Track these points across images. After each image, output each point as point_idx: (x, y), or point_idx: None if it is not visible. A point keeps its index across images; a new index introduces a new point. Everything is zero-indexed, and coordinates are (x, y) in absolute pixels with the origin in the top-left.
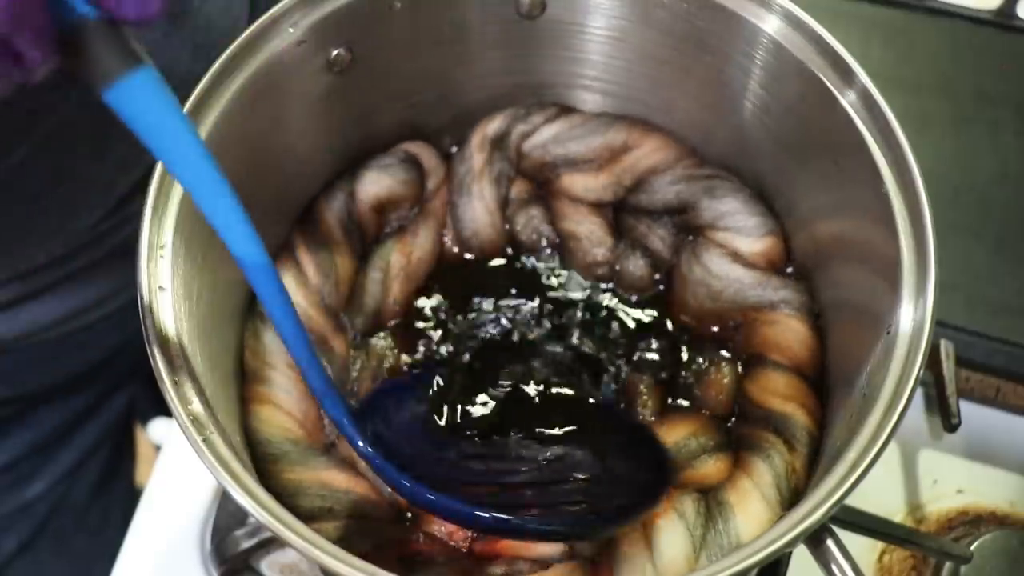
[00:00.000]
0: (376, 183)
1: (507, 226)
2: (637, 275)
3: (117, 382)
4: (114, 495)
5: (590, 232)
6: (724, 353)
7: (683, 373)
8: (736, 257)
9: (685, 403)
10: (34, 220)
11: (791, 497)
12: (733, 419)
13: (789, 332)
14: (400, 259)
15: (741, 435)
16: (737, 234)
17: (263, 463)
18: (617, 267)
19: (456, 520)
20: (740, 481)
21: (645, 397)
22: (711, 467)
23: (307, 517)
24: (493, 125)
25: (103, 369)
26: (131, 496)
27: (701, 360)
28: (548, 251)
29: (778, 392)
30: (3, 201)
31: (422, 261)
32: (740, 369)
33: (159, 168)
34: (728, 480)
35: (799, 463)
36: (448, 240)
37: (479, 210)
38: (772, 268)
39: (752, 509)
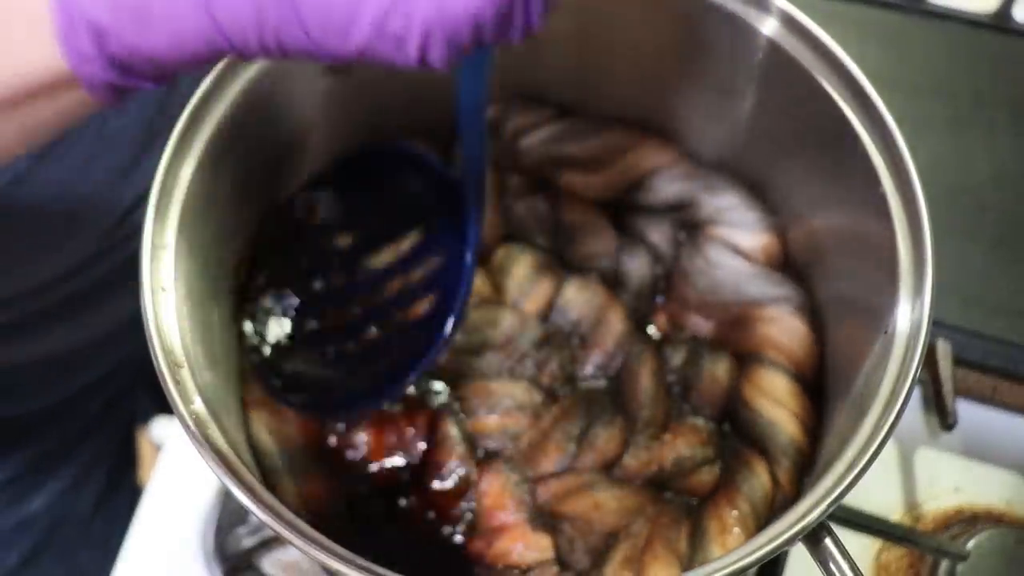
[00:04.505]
0: None
1: (505, 217)
2: (639, 269)
3: (120, 393)
4: (118, 506)
5: (593, 223)
6: (721, 352)
7: (682, 372)
8: (736, 251)
9: (684, 406)
10: (35, 237)
11: (769, 520)
12: (727, 425)
13: (788, 330)
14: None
15: (730, 447)
16: (736, 228)
17: (268, 475)
18: (619, 261)
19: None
20: (721, 509)
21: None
22: (704, 476)
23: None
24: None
25: (108, 381)
26: (135, 506)
27: (700, 358)
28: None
29: (771, 394)
30: (2, 216)
31: None
32: (736, 368)
33: (162, 168)
34: (712, 502)
35: (785, 477)
36: None
37: None
38: (771, 265)
39: (728, 540)
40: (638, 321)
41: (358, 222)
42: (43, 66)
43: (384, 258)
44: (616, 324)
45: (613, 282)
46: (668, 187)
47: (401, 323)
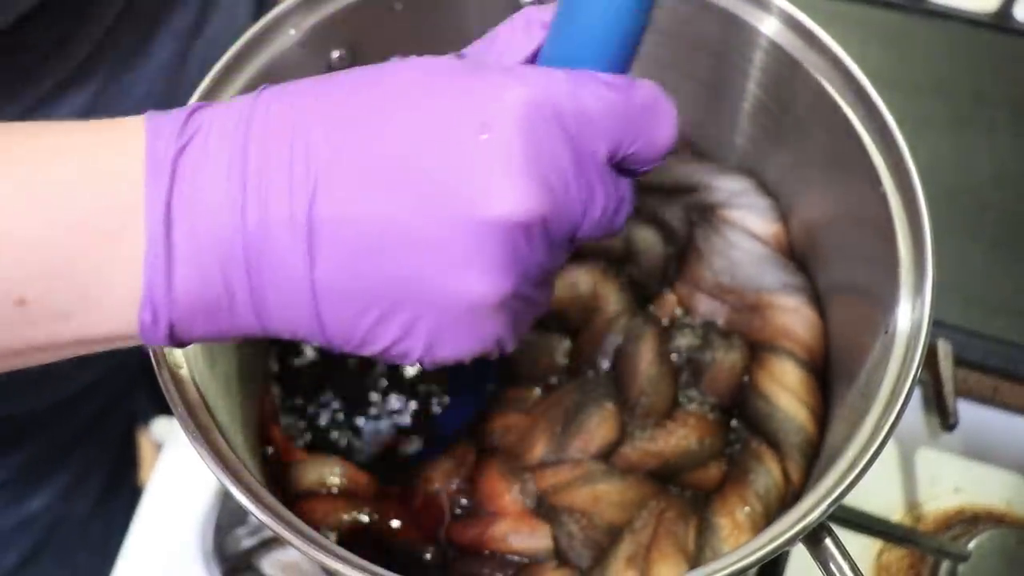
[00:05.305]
0: None
1: None
2: (651, 244)
3: (120, 394)
4: (117, 507)
5: None
6: (735, 338)
7: (691, 358)
8: (752, 235)
9: (692, 392)
10: None
11: (779, 515)
12: (734, 420)
13: (804, 320)
14: None
15: (739, 441)
16: (750, 213)
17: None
18: (629, 239)
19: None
20: (734, 505)
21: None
22: (711, 471)
23: (304, 495)
24: None
25: (108, 381)
26: (134, 507)
27: (712, 344)
28: None
29: (788, 386)
30: None
31: None
32: (749, 356)
33: None
34: (721, 498)
35: (797, 475)
36: None
37: None
38: (782, 253)
39: (741, 540)
40: (643, 301)
41: None
42: (115, 329)
43: None
44: (609, 304)
45: (623, 262)
46: (677, 167)
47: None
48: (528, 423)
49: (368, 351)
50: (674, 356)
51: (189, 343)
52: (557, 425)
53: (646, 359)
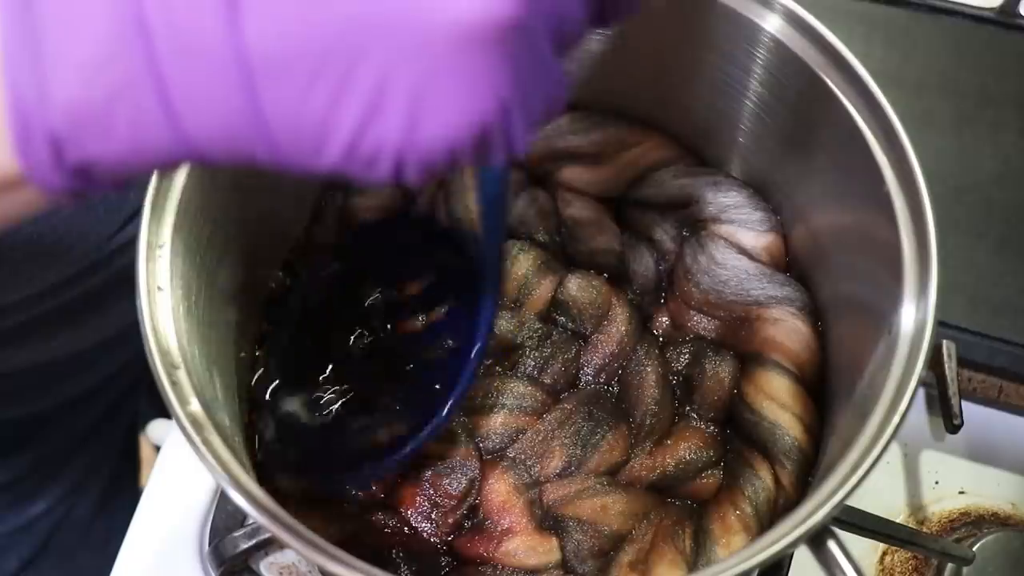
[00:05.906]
0: (367, 199)
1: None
2: (644, 266)
3: (123, 397)
4: (118, 510)
5: (597, 219)
6: (725, 352)
7: (684, 375)
8: (741, 250)
9: (687, 408)
10: (37, 244)
11: (772, 522)
12: (729, 429)
13: (791, 332)
14: None
15: (732, 450)
16: (741, 227)
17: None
18: (623, 258)
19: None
20: (725, 510)
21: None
22: (708, 480)
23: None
24: None
25: (111, 384)
26: (135, 509)
27: (702, 359)
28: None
29: (774, 396)
30: None
31: None
32: (739, 369)
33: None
34: (715, 504)
35: (788, 479)
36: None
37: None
38: (775, 264)
39: (733, 541)
40: (643, 320)
41: (381, 283)
42: None
43: (407, 327)
44: (620, 323)
45: (619, 279)
46: (671, 183)
47: (410, 389)
48: (539, 435)
49: (330, 150)
50: (672, 376)
51: (94, 176)
52: (575, 445)
53: (651, 380)
